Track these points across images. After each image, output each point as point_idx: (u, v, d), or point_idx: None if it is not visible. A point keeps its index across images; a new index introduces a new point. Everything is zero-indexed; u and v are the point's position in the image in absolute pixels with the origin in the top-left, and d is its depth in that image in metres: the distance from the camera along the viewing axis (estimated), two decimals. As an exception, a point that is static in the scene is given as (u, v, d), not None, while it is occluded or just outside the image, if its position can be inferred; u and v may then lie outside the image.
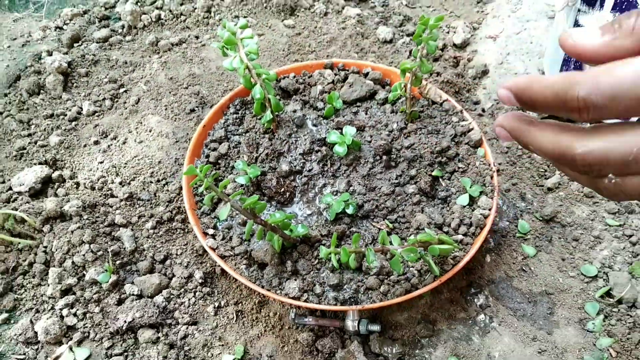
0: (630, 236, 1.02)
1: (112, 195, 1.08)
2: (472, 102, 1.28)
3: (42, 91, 1.28)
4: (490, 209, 0.93)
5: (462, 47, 1.42)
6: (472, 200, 0.95)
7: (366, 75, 1.12)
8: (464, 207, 0.94)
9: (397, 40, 1.41)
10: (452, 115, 1.04)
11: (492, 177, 0.96)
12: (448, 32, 1.46)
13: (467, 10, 1.55)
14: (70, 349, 0.91)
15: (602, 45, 0.36)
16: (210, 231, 0.92)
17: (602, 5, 1.06)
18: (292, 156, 1.00)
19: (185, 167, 0.99)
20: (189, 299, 0.96)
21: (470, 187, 0.95)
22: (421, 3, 1.58)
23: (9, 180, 1.11)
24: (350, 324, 0.89)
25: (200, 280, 0.97)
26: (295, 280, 0.86)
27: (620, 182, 0.37)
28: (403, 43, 1.39)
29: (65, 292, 0.96)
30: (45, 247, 1.00)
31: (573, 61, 1.17)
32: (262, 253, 0.86)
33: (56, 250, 0.99)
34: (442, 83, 1.28)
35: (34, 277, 0.98)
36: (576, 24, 1.14)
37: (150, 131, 1.16)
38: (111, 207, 1.06)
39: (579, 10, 1.12)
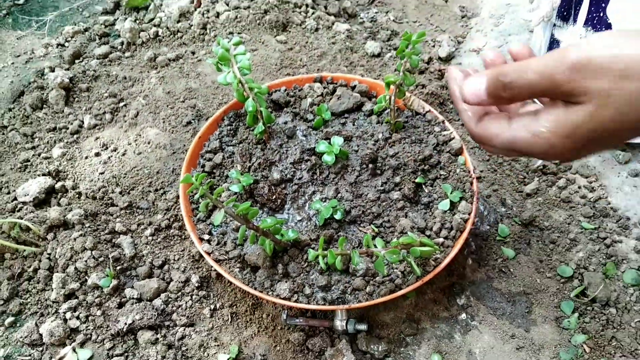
0: (605, 239, 1.08)
1: (113, 204, 1.14)
2: (456, 113, 1.34)
3: (45, 106, 1.34)
4: (470, 214, 0.98)
5: (447, 60, 1.48)
6: (453, 206, 1.00)
7: (353, 88, 1.18)
8: (445, 212, 0.99)
9: (384, 54, 1.47)
10: (434, 125, 1.10)
11: (471, 184, 1.02)
12: (434, 46, 1.52)
13: (452, 25, 1.61)
14: (74, 350, 0.96)
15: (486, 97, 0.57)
16: (206, 237, 0.98)
17: (575, 21, 1.12)
18: (283, 165, 1.06)
19: (182, 177, 1.05)
20: (186, 302, 1.01)
21: (451, 193, 1.01)
22: (408, 18, 1.65)
23: (14, 191, 1.16)
24: (339, 323, 0.94)
25: (196, 284, 1.02)
26: (286, 282, 0.91)
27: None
28: (390, 57, 1.46)
29: (69, 296, 1.01)
30: (49, 254, 1.05)
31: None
32: (255, 257, 0.92)
33: (60, 256, 1.04)
34: (428, 95, 1.34)
35: (38, 283, 1.03)
36: (552, 37, 1.20)
37: (148, 143, 1.22)
38: (112, 215, 1.12)
39: (554, 25, 1.19)
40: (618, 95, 0.46)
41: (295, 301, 0.89)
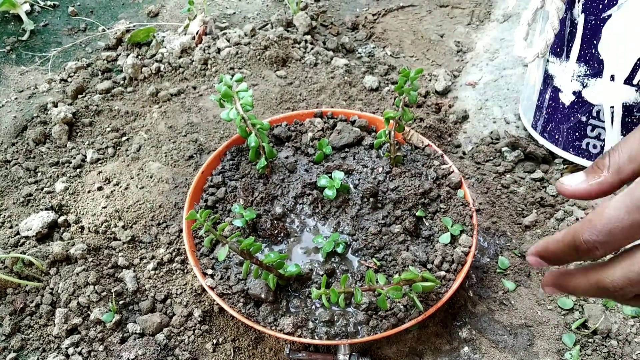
0: (604, 270, 1.09)
1: (115, 239, 1.14)
2: (454, 146, 1.36)
3: (48, 140, 1.35)
4: (470, 247, 0.99)
5: (443, 94, 1.51)
6: (454, 239, 1.01)
7: (353, 122, 1.21)
8: (446, 245, 1.01)
9: (382, 88, 1.50)
10: (433, 159, 1.12)
11: (471, 217, 1.03)
12: (430, 80, 1.55)
13: (448, 59, 1.65)
14: (76, 386, 0.96)
15: (589, 186, 0.46)
16: (209, 271, 0.98)
17: (568, 57, 1.15)
18: (285, 199, 1.07)
19: (186, 212, 1.06)
20: (189, 337, 1.01)
21: (451, 226, 1.02)
22: (404, 53, 1.68)
23: (17, 225, 1.17)
24: (342, 357, 0.94)
25: (199, 319, 1.02)
26: (290, 316, 0.91)
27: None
28: (388, 91, 1.49)
29: (71, 331, 1.01)
30: (52, 288, 1.06)
31: (545, 107, 1.26)
32: (258, 291, 0.92)
33: (62, 291, 1.04)
34: (425, 128, 1.36)
35: (40, 318, 1.03)
36: (546, 72, 1.23)
37: (151, 177, 1.23)
38: (114, 249, 1.12)
39: (548, 61, 1.22)
40: None
41: (299, 336, 0.89)
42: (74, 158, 1.31)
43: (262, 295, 0.92)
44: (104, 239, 1.14)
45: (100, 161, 1.31)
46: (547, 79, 1.24)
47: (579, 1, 1.08)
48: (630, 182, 0.43)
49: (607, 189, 0.45)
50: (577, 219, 1.18)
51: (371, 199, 1.04)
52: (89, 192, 1.24)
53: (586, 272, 0.46)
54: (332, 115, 1.23)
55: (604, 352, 0.98)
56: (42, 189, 1.25)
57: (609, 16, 1.04)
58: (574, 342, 1.00)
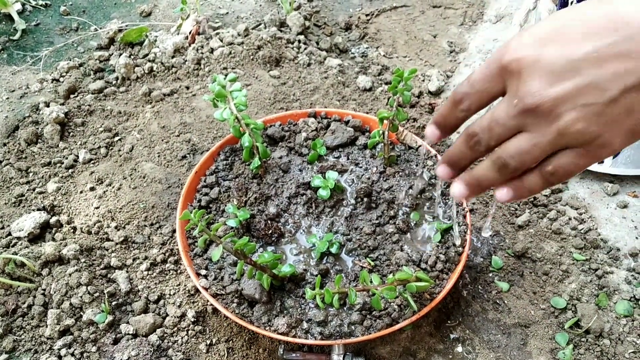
0: (596, 270, 1.09)
1: (108, 239, 1.14)
2: (447, 146, 1.36)
3: (39, 140, 1.35)
4: (464, 247, 0.99)
5: (436, 94, 1.51)
6: (447, 239, 1.02)
7: (347, 122, 1.20)
8: (440, 245, 1.01)
9: (376, 89, 1.50)
10: (427, 159, 1.12)
11: (465, 217, 1.03)
12: (423, 80, 1.55)
13: (441, 60, 1.65)
14: (68, 387, 0.95)
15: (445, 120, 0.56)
16: (203, 272, 0.98)
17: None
18: (279, 199, 1.07)
19: (179, 212, 1.06)
20: (182, 337, 1.01)
21: (445, 226, 1.02)
22: (398, 53, 1.68)
23: (9, 226, 1.16)
24: (336, 357, 0.94)
25: (192, 319, 1.02)
26: (284, 317, 0.91)
27: (500, 153, 0.51)
28: (382, 91, 1.49)
29: (63, 332, 1.00)
30: (44, 289, 1.05)
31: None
32: (252, 291, 0.92)
33: (54, 292, 1.03)
34: (419, 128, 1.36)
35: (32, 319, 1.03)
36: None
37: (144, 177, 1.23)
38: (107, 250, 1.12)
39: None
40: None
41: (293, 336, 0.89)
42: (66, 158, 1.31)
43: (256, 296, 0.92)
44: (96, 240, 1.13)
45: (92, 161, 1.30)
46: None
47: (571, 3, 1.08)
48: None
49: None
50: (570, 219, 1.19)
51: (365, 199, 1.04)
52: (81, 192, 1.23)
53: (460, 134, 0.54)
54: (325, 115, 1.23)
55: (597, 351, 0.98)
56: (34, 190, 1.24)
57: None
58: (567, 342, 1.00)
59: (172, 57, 1.56)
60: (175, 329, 1.01)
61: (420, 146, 1.15)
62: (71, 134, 1.37)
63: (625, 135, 0.46)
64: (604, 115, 0.44)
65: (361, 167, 1.11)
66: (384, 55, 1.67)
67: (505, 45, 0.48)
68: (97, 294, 1.03)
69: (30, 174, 1.28)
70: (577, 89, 0.44)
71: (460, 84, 0.53)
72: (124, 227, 1.15)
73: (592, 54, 0.43)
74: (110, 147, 1.34)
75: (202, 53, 1.55)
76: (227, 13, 1.79)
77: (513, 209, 1.22)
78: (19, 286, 1.05)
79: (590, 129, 0.45)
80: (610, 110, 0.44)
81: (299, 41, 1.63)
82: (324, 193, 1.03)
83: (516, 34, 0.49)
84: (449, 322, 1.04)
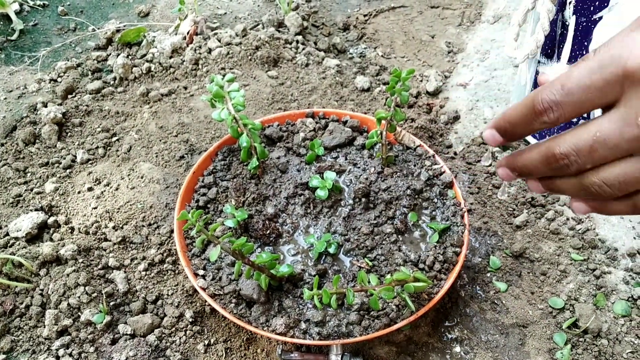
0: (594, 270, 1.10)
1: (106, 239, 1.14)
2: (445, 146, 1.36)
3: (37, 141, 1.34)
4: (462, 246, 1.00)
5: (434, 95, 1.51)
6: (445, 239, 1.02)
7: (345, 123, 1.20)
8: (438, 245, 1.01)
9: (374, 89, 1.50)
10: (425, 159, 1.12)
11: (462, 217, 1.03)
12: (421, 81, 1.56)
13: (439, 60, 1.65)
14: (66, 388, 0.95)
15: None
16: (201, 272, 0.98)
17: (559, 58, 1.16)
18: (277, 200, 1.07)
19: (177, 212, 1.06)
20: (180, 338, 1.00)
21: (443, 227, 1.02)
22: (396, 54, 1.68)
23: (6, 226, 1.16)
24: (334, 358, 0.94)
25: (190, 319, 1.02)
26: (282, 317, 0.91)
27: (597, 175, 0.44)
28: (380, 91, 1.49)
29: (61, 333, 1.00)
30: (42, 290, 1.05)
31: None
32: (250, 291, 0.92)
33: (52, 292, 1.03)
34: (417, 128, 1.36)
35: (30, 319, 1.02)
36: (537, 73, 1.24)
37: (141, 177, 1.23)
38: (105, 250, 1.12)
39: (539, 62, 1.23)
40: None
41: (291, 336, 0.89)
42: (64, 158, 1.30)
43: (254, 296, 0.92)
44: (94, 240, 1.13)
45: (90, 161, 1.30)
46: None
47: (570, 3, 1.08)
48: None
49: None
50: (567, 219, 1.19)
51: (363, 199, 1.04)
52: (79, 192, 1.23)
53: (537, 144, 0.46)
54: (323, 116, 1.23)
55: (595, 351, 0.99)
56: (31, 190, 1.24)
57: (600, 18, 1.04)
58: (565, 342, 1.00)
59: (170, 57, 1.56)
60: (174, 329, 1.01)
61: (418, 146, 1.15)
62: (69, 134, 1.37)
63: None
64: None
65: (359, 168, 1.11)
66: (382, 56, 1.67)
67: (624, 45, 0.40)
68: (95, 294, 1.03)
69: (28, 174, 1.28)
70: None
71: (544, 89, 0.44)
72: (122, 228, 1.15)
73: None
74: (108, 148, 1.34)
75: (200, 53, 1.55)
76: (225, 13, 1.79)
77: (511, 209, 1.22)
78: (16, 286, 1.05)
79: None
80: None
81: (297, 41, 1.63)
82: (322, 193, 1.03)
83: (636, 33, 0.40)
84: (447, 322, 1.04)
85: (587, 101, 0.42)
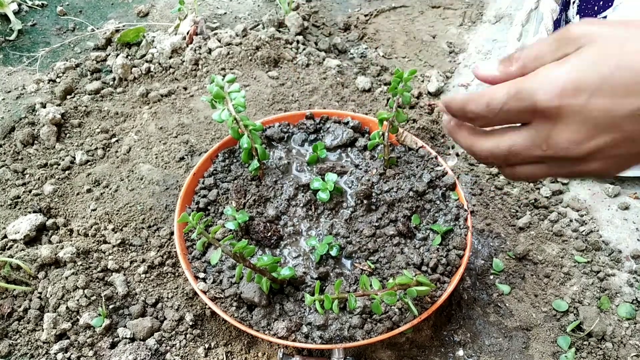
0: (598, 272, 1.09)
1: (105, 242, 1.12)
2: (447, 147, 1.35)
3: (36, 142, 1.33)
4: (465, 249, 0.98)
5: (436, 95, 1.50)
6: (448, 241, 1.01)
7: (346, 123, 1.19)
8: (441, 247, 1.00)
9: (375, 89, 1.49)
10: (427, 160, 1.11)
11: (466, 219, 1.02)
12: (423, 81, 1.55)
13: (440, 60, 1.64)
14: (65, 392, 0.94)
15: (497, 73, 0.51)
16: (201, 275, 0.97)
17: (562, 58, 1.15)
18: (278, 202, 1.06)
19: (177, 214, 1.04)
20: (180, 341, 0.99)
21: (446, 229, 1.01)
22: (397, 54, 1.67)
23: (4, 228, 1.14)
24: (336, 361, 0.93)
25: (190, 323, 1.01)
26: (283, 320, 0.90)
27: (512, 170, 0.53)
28: (381, 92, 1.48)
29: (60, 336, 0.99)
30: (40, 293, 1.04)
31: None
32: (252, 295, 0.91)
33: (51, 296, 1.02)
34: (419, 129, 1.35)
35: (28, 323, 1.01)
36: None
37: (141, 179, 1.21)
38: (104, 253, 1.11)
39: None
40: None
41: (293, 340, 0.88)
42: (63, 160, 1.29)
43: (255, 299, 0.91)
44: (93, 242, 1.12)
45: (89, 163, 1.29)
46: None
47: (574, 2, 1.07)
48: None
49: (512, 77, 0.50)
50: (571, 221, 1.18)
51: (365, 201, 1.03)
52: (78, 194, 1.22)
53: (468, 134, 0.55)
54: (325, 117, 1.21)
55: (599, 355, 0.98)
56: (30, 191, 1.23)
57: (605, 17, 1.03)
58: (569, 345, 0.99)
59: (170, 57, 1.55)
60: (174, 332, 1.00)
61: (420, 147, 1.14)
62: (68, 135, 1.36)
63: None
64: (627, 160, 0.47)
65: (361, 169, 1.10)
66: (383, 56, 1.66)
67: (541, 80, 0.46)
68: (94, 297, 1.02)
69: (27, 176, 1.26)
70: (613, 143, 0.45)
71: (474, 101, 0.50)
72: (121, 230, 1.14)
73: (636, 111, 0.43)
74: (107, 149, 1.32)
75: (199, 54, 1.54)
76: (225, 13, 1.78)
77: (514, 211, 1.21)
78: (14, 289, 1.04)
79: (609, 171, 0.48)
80: (635, 158, 0.47)
81: (298, 42, 1.62)
82: (323, 195, 1.02)
83: (554, 68, 0.45)
84: (450, 325, 1.03)
85: (506, 119, 0.49)
